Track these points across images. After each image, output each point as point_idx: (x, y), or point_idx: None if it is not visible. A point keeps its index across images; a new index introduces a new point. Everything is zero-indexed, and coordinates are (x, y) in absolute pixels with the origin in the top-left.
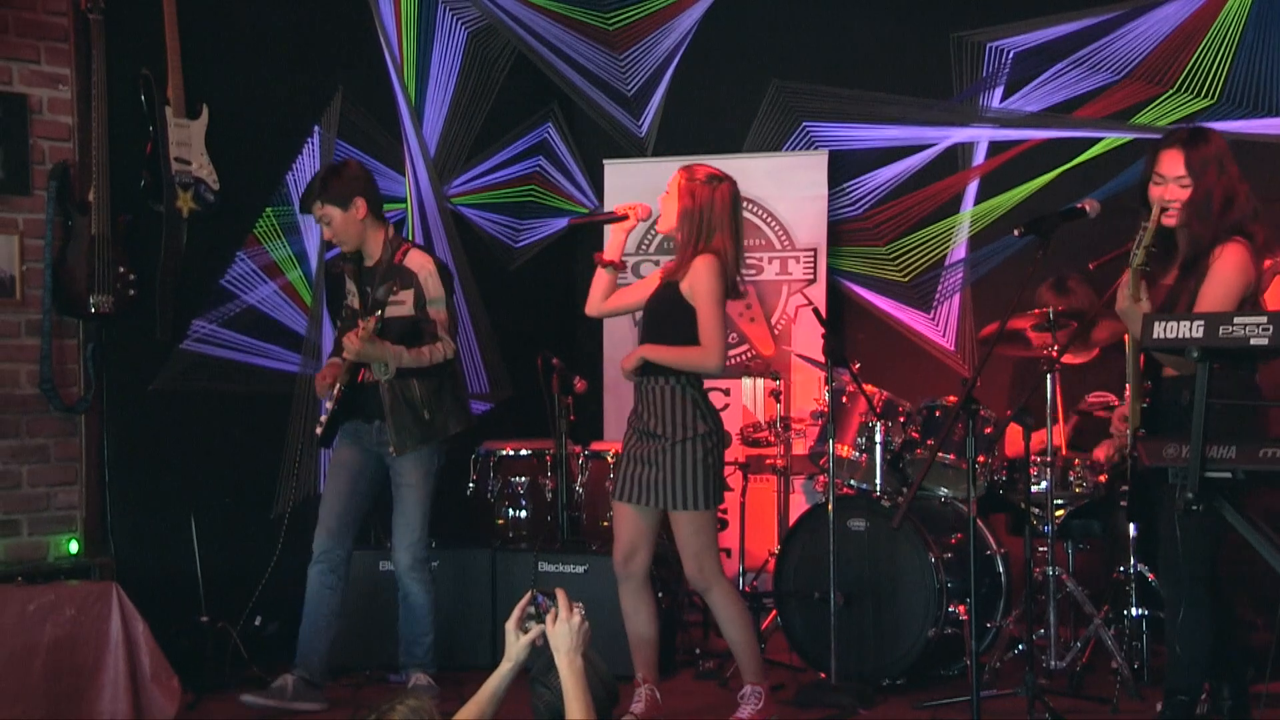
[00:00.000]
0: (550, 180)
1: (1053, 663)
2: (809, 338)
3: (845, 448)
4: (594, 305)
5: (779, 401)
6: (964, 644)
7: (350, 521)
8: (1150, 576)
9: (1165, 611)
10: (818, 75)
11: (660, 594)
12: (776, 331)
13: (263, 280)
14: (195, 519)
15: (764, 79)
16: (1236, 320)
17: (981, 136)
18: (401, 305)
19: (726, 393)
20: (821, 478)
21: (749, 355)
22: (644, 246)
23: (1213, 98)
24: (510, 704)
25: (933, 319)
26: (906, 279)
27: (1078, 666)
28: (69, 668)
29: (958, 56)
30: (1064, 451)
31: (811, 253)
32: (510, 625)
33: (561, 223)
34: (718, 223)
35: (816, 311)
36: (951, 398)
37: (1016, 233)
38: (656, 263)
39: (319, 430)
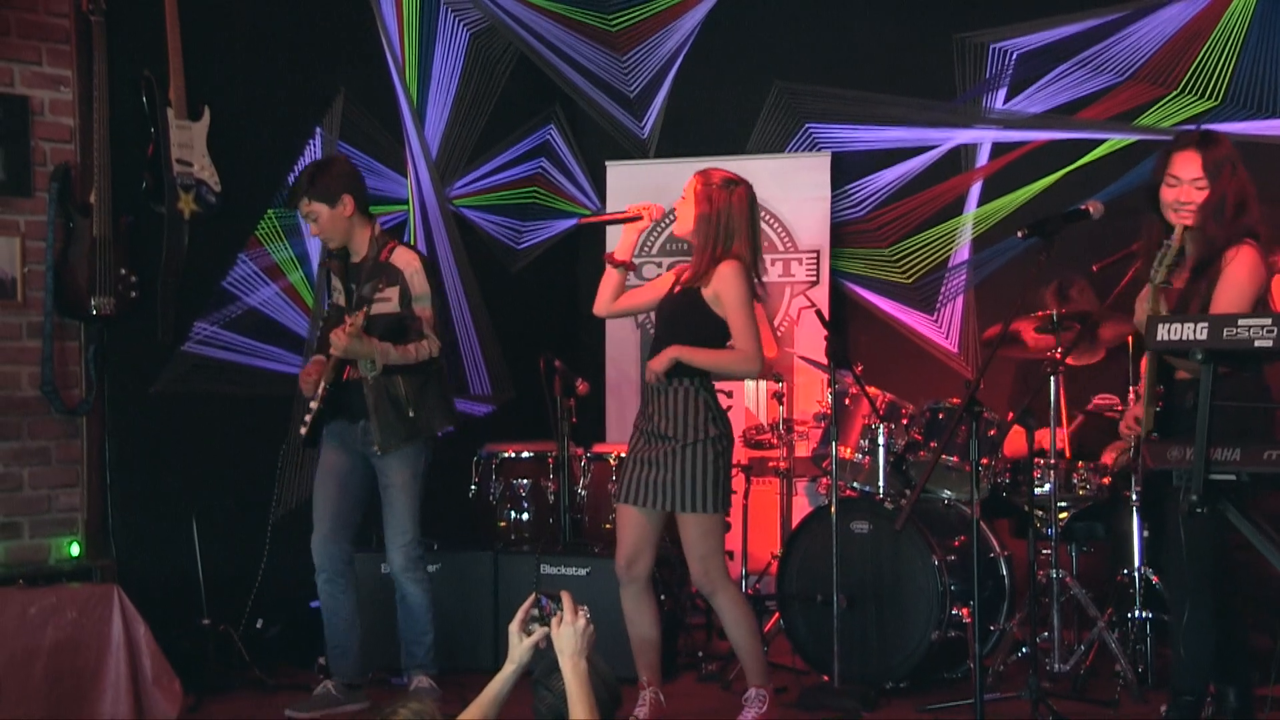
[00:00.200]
0: (552, 182)
1: (1056, 666)
2: (812, 340)
3: (848, 450)
4: (603, 305)
5: (781, 404)
6: (967, 647)
7: (345, 524)
8: (1154, 579)
9: (1171, 614)
10: (820, 76)
11: (663, 596)
12: (779, 333)
13: (264, 282)
14: (197, 521)
15: (766, 80)
16: (1241, 322)
17: (985, 138)
18: (387, 302)
19: (729, 395)
20: (824, 480)
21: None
22: (646, 248)
23: (1217, 99)
24: (512, 706)
25: (936, 321)
26: (910, 281)
27: (1081, 669)
28: (70, 670)
29: (961, 58)
30: (1068, 454)
31: (814, 254)
32: (514, 627)
33: (566, 224)
34: (736, 227)
35: (819, 313)
36: (955, 400)
37: (1020, 234)
38: (659, 264)
39: (303, 430)
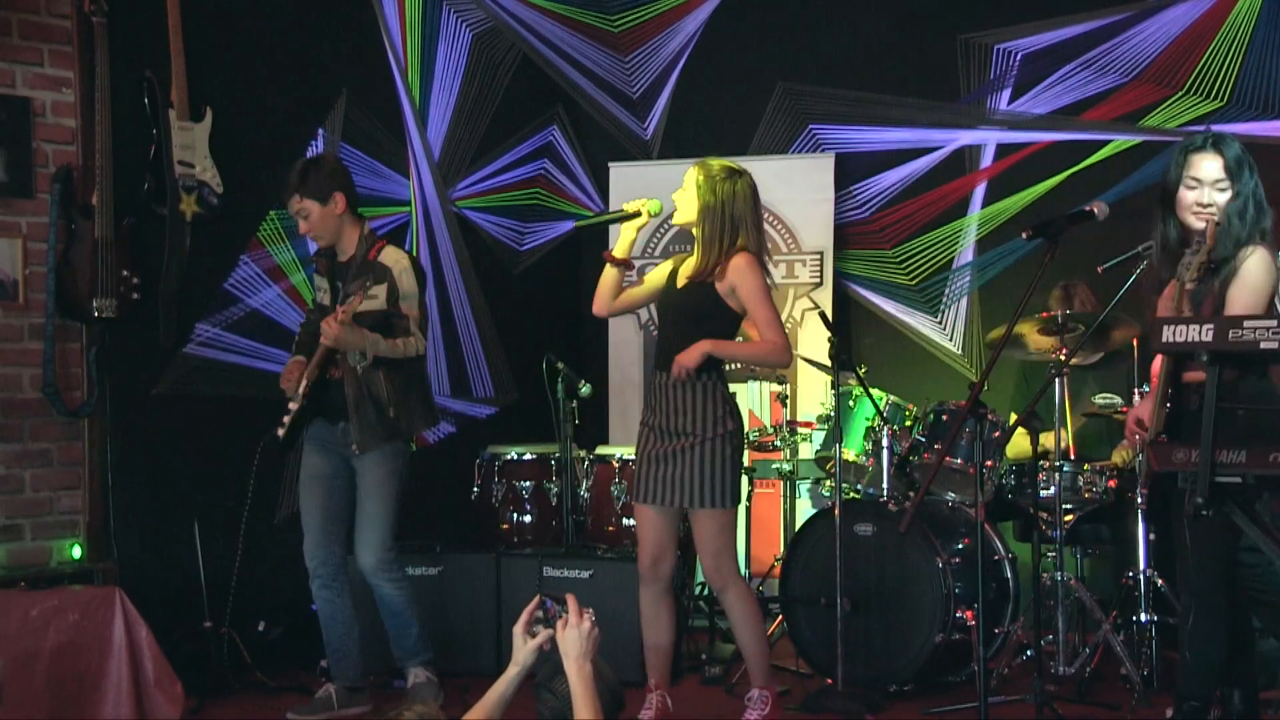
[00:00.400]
0: (555, 183)
1: (1061, 669)
2: (815, 341)
3: (852, 452)
4: (603, 304)
5: (785, 405)
6: (971, 650)
7: (335, 529)
8: (1160, 582)
9: (1178, 617)
10: (824, 77)
11: None
12: None
13: (266, 284)
14: (198, 523)
15: (770, 81)
16: (1247, 324)
17: (989, 139)
18: (374, 300)
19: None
20: (829, 482)
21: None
22: (649, 249)
23: (1222, 99)
24: (514, 709)
25: (940, 323)
26: (914, 282)
27: (1086, 672)
28: (72, 673)
29: (965, 58)
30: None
31: (818, 256)
32: (518, 630)
33: (569, 225)
34: (741, 217)
35: (823, 315)
36: (959, 401)
37: (1024, 236)
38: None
39: (280, 431)
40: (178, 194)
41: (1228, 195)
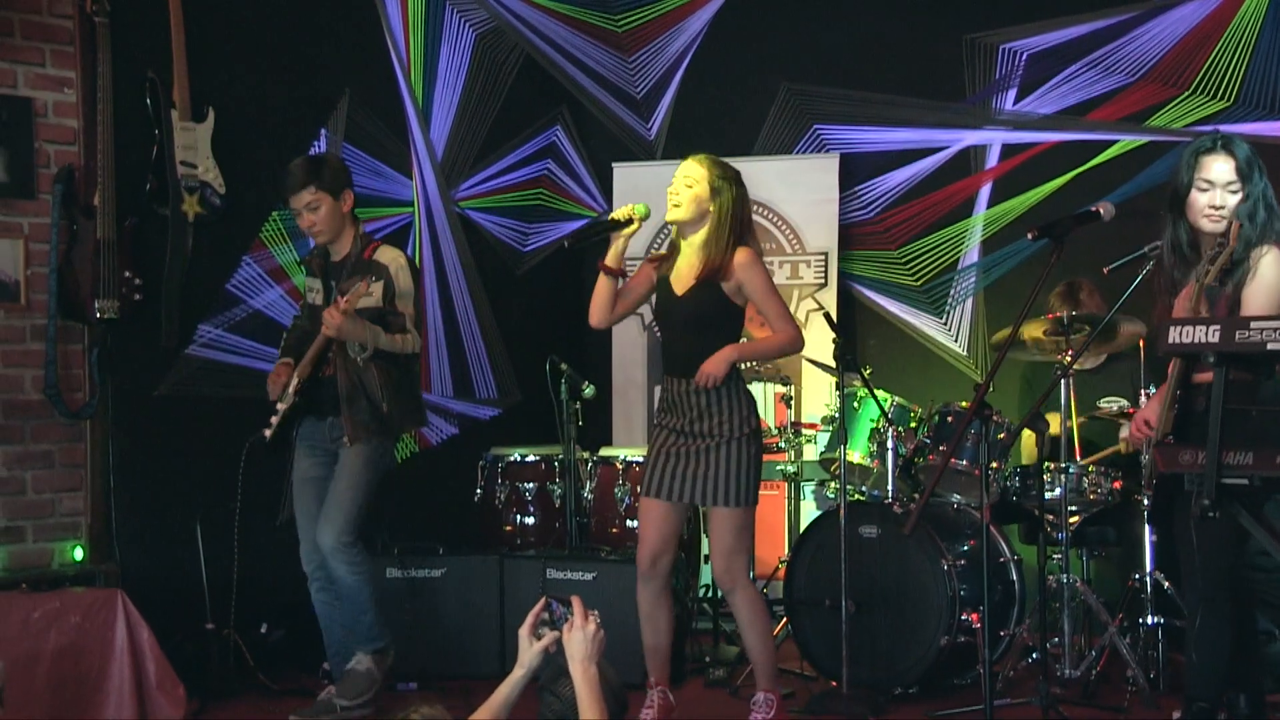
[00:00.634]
0: (559, 184)
1: (1067, 671)
2: (820, 342)
3: (856, 454)
4: (602, 316)
5: (789, 407)
6: (977, 652)
7: None
8: (1166, 584)
9: (1184, 619)
10: (829, 77)
11: None
12: None
13: (269, 285)
14: (201, 525)
15: (774, 81)
16: (1254, 325)
17: (995, 139)
18: (369, 297)
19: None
20: (833, 484)
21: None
22: (656, 248)
23: (1229, 99)
24: (518, 711)
25: (945, 324)
26: (919, 283)
27: (1092, 675)
28: (74, 675)
29: (970, 58)
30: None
31: (822, 256)
32: (524, 631)
33: (572, 226)
34: (747, 219)
35: (827, 316)
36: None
37: (1030, 236)
38: None
39: (267, 432)
40: (180, 194)
41: (1239, 197)
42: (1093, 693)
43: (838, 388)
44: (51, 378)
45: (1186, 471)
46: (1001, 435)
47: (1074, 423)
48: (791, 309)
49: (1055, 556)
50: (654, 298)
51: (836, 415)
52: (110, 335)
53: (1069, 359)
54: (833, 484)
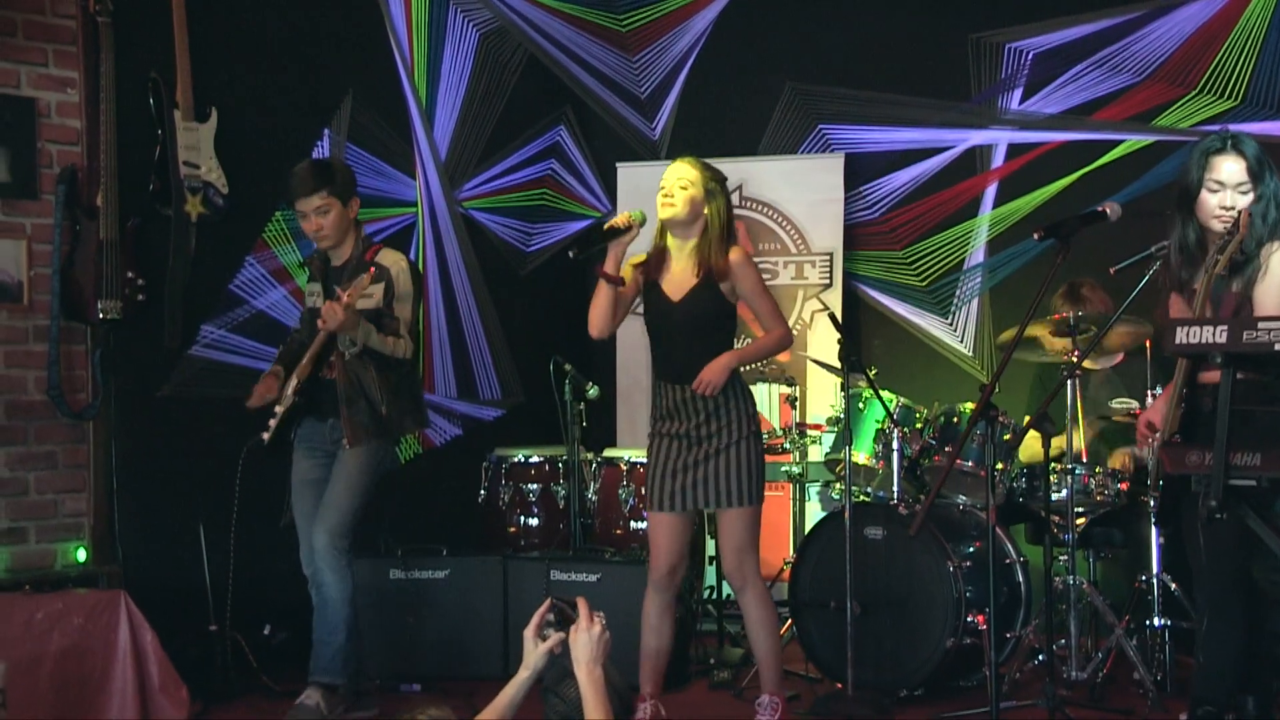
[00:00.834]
0: (563, 184)
1: (1073, 673)
2: (825, 343)
3: (862, 455)
4: (604, 326)
5: (794, 408)
6: (983, 654)
7: None
8: (1174, 586)
9: (1191, 620)
10: (834, 77)
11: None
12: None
13: (272, 285)
14: (204, 526)
15: (779, 81)
16: (1261, 325)
17: (1000, 139)
18: (369, 299)
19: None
20: (838, 485)
21: (763, 361)
22: None
23: (1236, 99)
24: (523, 712)
25: (950, 324)
26: (924, 283)
27: (1099, 677)
28: (76, 677)
29: (976, 58)
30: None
31: (827, 257)
32: (528, 633)
33: (576, 226)
34: (731, 216)
35: (832, 316)
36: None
37: (1036, 236)
38: None
39: (266, 435)
40: (183, 195)
41: (1250, 197)
42: (1099, 695)
43: (843, 388)
44: (54, 379)
45: (1194, 473)
46: (1007, 436)
47: (1081, 425)
48: (796, 309)
49: (1062, 558)
50: (643, 305)
51: (841, 416)
52: (113, 336)
53: (1075, 359)
54: (838, 485)
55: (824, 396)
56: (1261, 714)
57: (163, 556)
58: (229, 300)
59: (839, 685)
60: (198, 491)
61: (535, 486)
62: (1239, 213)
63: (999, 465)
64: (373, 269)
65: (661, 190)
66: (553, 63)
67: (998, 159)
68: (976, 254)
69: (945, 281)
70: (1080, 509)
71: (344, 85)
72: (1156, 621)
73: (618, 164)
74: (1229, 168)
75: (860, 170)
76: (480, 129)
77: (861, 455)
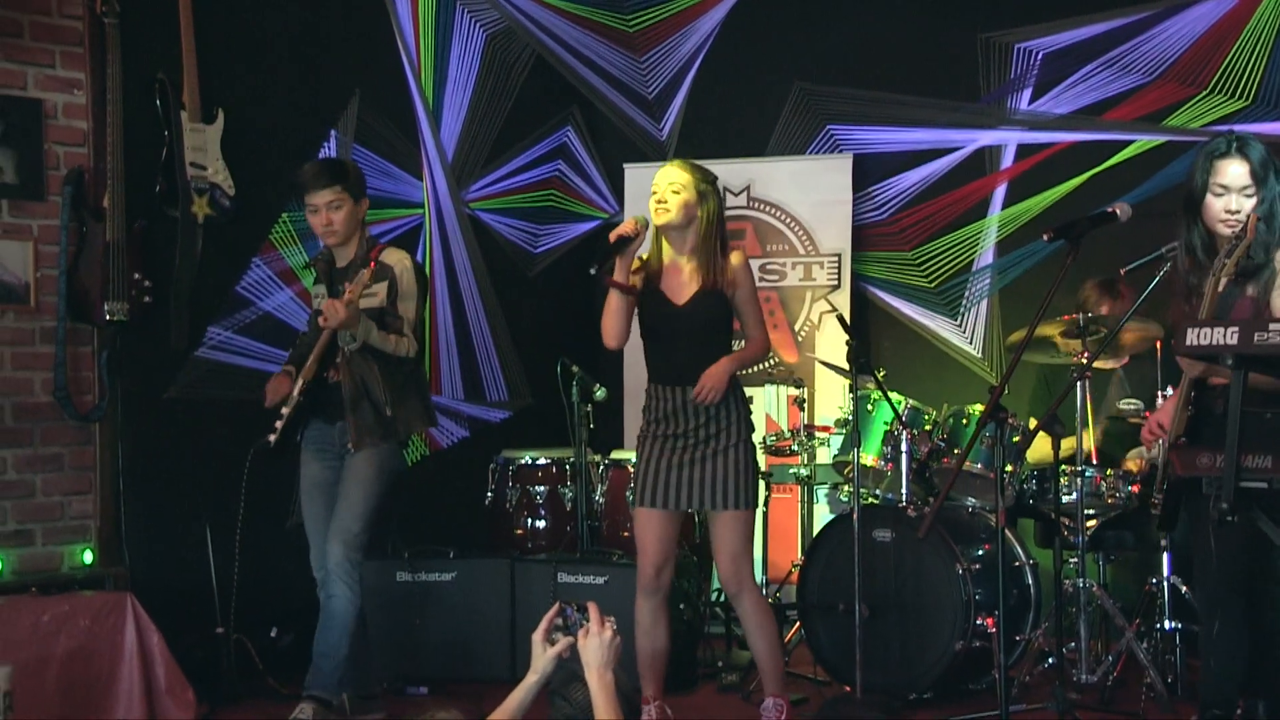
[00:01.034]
0: (570, 185)
1: (1083, 677)
2: (833, 344)
3: (870, 457)
4: (620, 336)
5: (802, 409)
6: (992, 657)
7: None
8: (1184, 589)
9: (1200, 624)
10: (842, 77)
11: (681, 605)
12: (800, 338)
13: (279, 286)
14: (210, 528)
15: (787, 81)
16: (1272, 326)
17: (1010, 139)
18: (373, 297)
19: (749, 400)
20: (847, 487)
21: (772, 362)
22: None
23: (1247, 99)
24: (530, 715)
25: (959, 325)
26: (933, 284)
27: (1109, 681)
28: (83, 679)
29: (985, 58)
30: (1094, 459)
31: (836, 258)
32: (537, 637)
33: (584, 227)
34: (723, 217)
35: (841, 318)
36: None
37: (1046, 237)
38: None
39: (272, 437)
40: (189, 196)
41: (1254, 201)
42: (1109, 698)
43: (851, 390)
44: (61, 380)
45: (1205, 475)
46: (1017, 438)
47: (1090, 426)
48: (804, 310)
49: (1072, 561)
50: (638, 309)
51: (850, 418)
52: (119, 338)
53: (1085, 360)
54: (846, 487)
55: (832, 398)
56: (1272, 718)
57: (169, 558)
58: (235, 302)
59: (847, 688)
60: (204, 493)
61: (542, 488)
62: (1246, 216)
63: (1008, 467)
64: (373, 264)
65: (654, 195)
66: (560, 63)
67: (1007, 159)
68: (986, 255)
69: (954, 283)
70: (1090, 511)
71: (350, 86)
72: (1167, 625)
73: (625, 165)
74: (1233, 171)
75: (869, 171)
76: (487, 130)
77: (870, 457)
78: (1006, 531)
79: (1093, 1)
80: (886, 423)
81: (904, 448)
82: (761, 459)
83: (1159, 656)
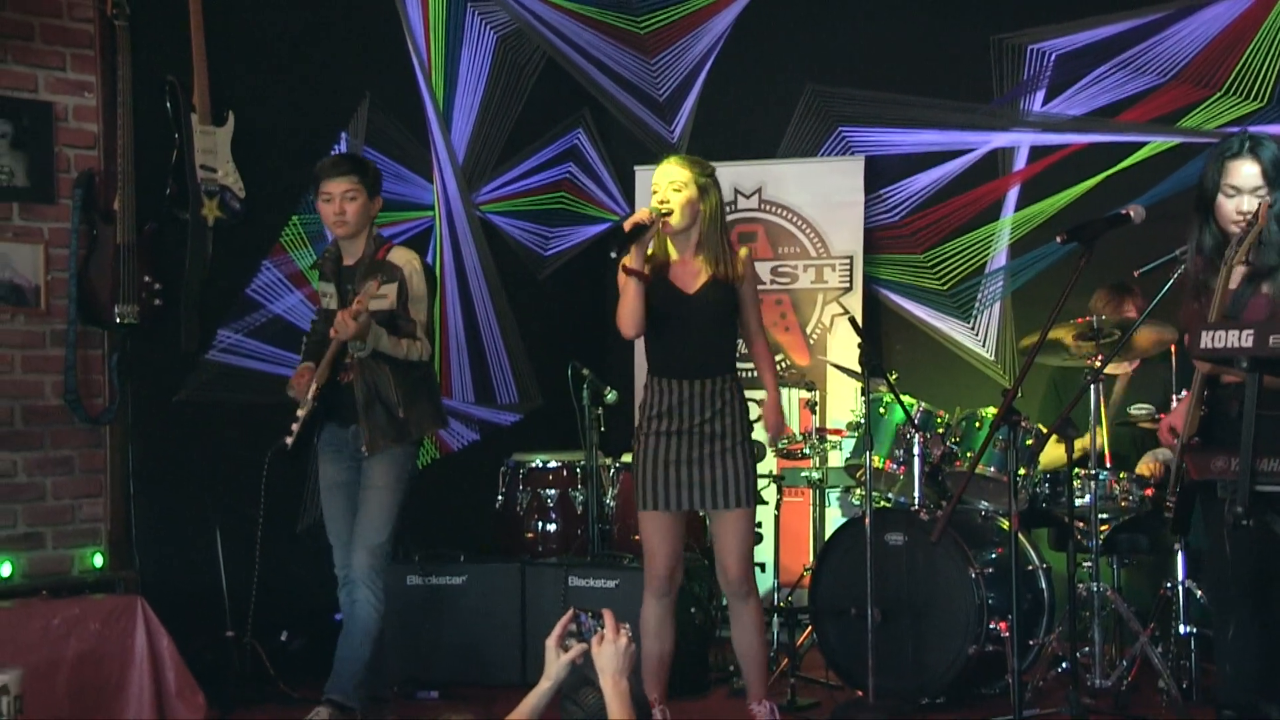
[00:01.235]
0: (580, 187)
1: (1097, 681)
2: (845, 347)
3: (883, 460)
4: (637, 324)
5: (814, 413)
6: (1005, 662)
7: None
8: (1199, 593)
9: (1214, 628)
10: (854, 79)
11: (693, 609)
12: (812, 341)
13: (289, 289)
14: (221, 532)
15: (799, 83)
16: None
17: (1023, 141)
18: (383, 300)
19: (760, 403)
20: (859, 491)
21: (783, 365)
22: None
23: (1262, 100)
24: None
25: (972, 328)
26: (945, 287)
27: (1123, 685)
28: (93, 683)
29: (998, 59)
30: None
31: (847, 260)
32: (551, 643)
33: (594, 230)
34: (724, 209)
35: (853, 320)
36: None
37: (1059, 240)
38: None
39: (288, 439)
40: (200, 199)
41: (1266, 202)
42: (1124, 703)
43: (863, 393)
44: (71, 383)
45: (1220, 478)
46: (1030, 441)
47: (1104, 430)
48: (816, 313)
49: (1085, 564)
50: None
51: (862, 421)
52: (130, 340)
53: (1099, 364)
54: (858, 491)
55: (844, 401)
56: None
57: (179, 561)
58: (246, 304)
59: (859, 693)
60: (214, 497)
61: (553, 492)
62: (1258, 204)
63: (1021, 471)
64: (379, 276)
65: (655, 194)
66: (571, 65)
67: (1020, 161)
68: (998, 257)
69: (967, 285)
70: (1104, 515)
71: (361, 88)
72: (1182, 629)
73: (636, 167)
74: (1245, 172)
75: (881, 173)
76: (498, 132)
77: (882, 460)
78: (1019, 535)
79: (1107, 2)
80: (899, 426)
81: (916, 451)
82: (773, 462)
83: (1174, 661)
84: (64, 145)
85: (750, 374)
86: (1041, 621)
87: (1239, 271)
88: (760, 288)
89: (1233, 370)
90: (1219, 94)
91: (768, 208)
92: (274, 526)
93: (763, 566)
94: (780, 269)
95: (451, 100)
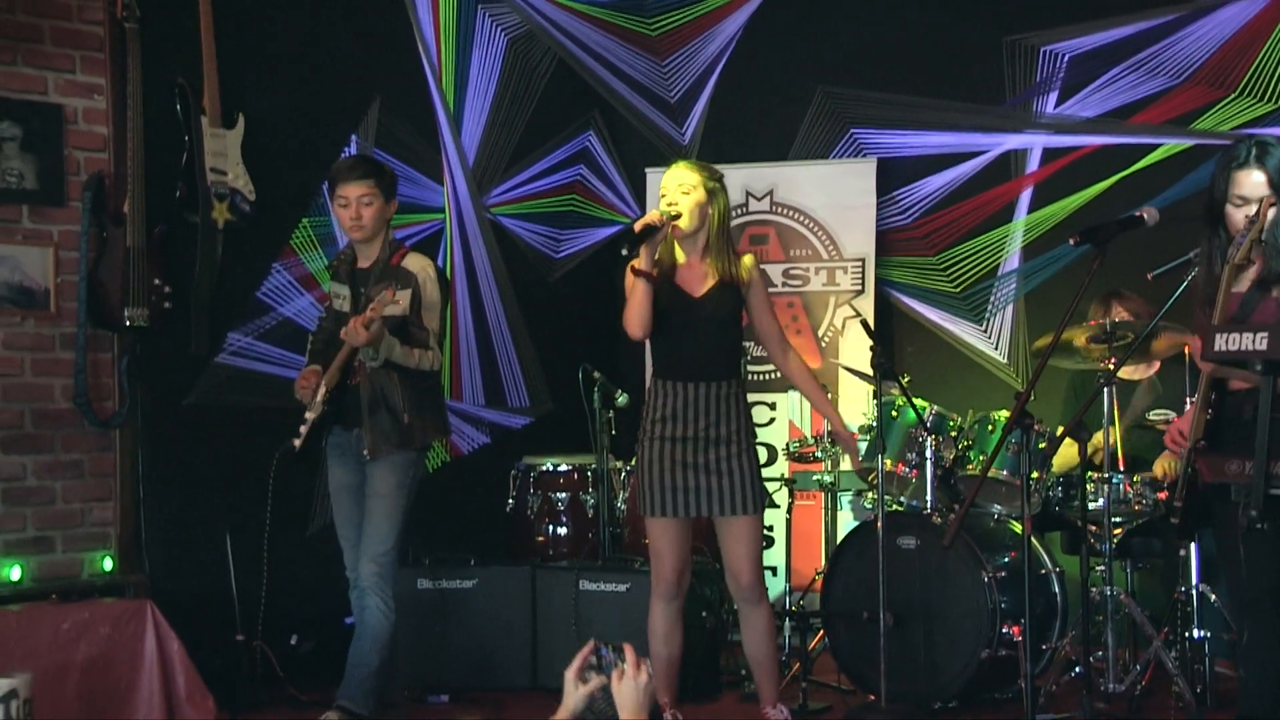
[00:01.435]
0: (591, 189)
1: (1111, 686)
2: (857, 350)
3: (895, 463)
4: (646, 325)
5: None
6: (1018, 666)
7: None
8: (1213, 597)
9: (1236, 634)
10: (866, 81)
11: (704, 613)
12: (823, 344)
13: (299, 292)
14: (230, 535)
15: (810, 85)
16: None
17: (1035, 143)
18: (395, 305)
19: (773, 406)
20: (871, 494)
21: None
22: None
23: (1277, 102)
24: None
25: (984, 331)
26: (958, 290)
27: (1137, 690)
28: (103, 687)
29: (1011, 60)
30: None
31: (859, 263)
32: (570, 675)
33: (605, 232)
34: (730, 214)
35: (865, 323)
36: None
37: (1072, 242)
38: None
39: (297, 442)
40: (210, 201)
41: (1274, 210)
42: (1137, 707)
43: (875, 396)
44: (81, 386)
45: (1234, 482)
46: (1043, 445)
47: (1117, 434)
48: (828, 315)
49: (1098, 568)
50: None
51: (874, 424)
52: (140, 343)
53: (1113, 367)
54: (870, 494)
55: (856, 404)
56: None
57: (189, 565)
58: (256, 307)
59: (872, 697)
60: (224, 500)
61: (564, 495)
62: (1260, 200)
63: (1034, 474)
64: (394, 284)
65: (663, 198)
66: (581, 67)
67: (1033, 163)
68: (1011, 260)
69: (979, 288)
70: (1118, 518)
71: (371, 91)
72: (1196, 633)
73: (647, 169)
74: (1253, 180)
75: (893, 175)
76: (508, 134)
77: (894, 464)
78: (1032, 539)
79: (1120, 4)
80: (911, 429)
81: (928, 454)
82: (785, 465)
83: (1187, 665)
84: (74, 148)
85: (770, 375)
86: (1054, 626)
87: (1246, 276)
88: (771, 290)
89: (1244, 373)
90: (1233, 95)
91: (779, 210)
92: (284, 530)
93: (774, 570)
94: (792, 271)
95: (462, 102)
